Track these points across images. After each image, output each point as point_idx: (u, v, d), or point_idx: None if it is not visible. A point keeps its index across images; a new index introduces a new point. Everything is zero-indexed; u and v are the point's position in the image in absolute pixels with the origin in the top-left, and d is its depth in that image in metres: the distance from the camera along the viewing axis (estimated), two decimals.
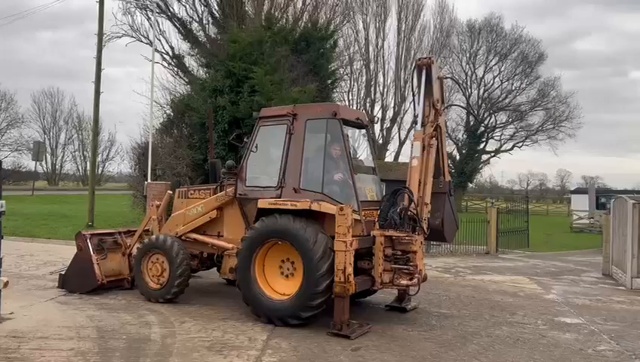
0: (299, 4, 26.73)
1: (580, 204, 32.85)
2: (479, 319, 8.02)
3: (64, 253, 12.94)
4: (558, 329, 7.58)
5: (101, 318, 7.20)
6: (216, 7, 25.60)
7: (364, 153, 8.36)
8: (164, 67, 25.52)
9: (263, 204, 7.34)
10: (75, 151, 74.13)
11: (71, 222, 20.74)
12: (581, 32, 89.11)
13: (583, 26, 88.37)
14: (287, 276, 7.30)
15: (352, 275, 6.70)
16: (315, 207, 6.96)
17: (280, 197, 7.39)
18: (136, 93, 53.05)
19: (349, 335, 6.62)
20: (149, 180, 15.04)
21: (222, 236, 8.40)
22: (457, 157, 46.45)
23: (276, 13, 25.44)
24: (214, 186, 8.63)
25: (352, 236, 6.75)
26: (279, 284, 7.31)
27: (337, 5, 28.35)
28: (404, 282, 6.99)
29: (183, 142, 18.29)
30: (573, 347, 6.72)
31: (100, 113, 20.69)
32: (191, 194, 8.97)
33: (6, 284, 6.89)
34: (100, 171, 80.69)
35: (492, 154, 48.80)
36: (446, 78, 8.58)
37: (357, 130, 8.34)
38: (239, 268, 7.41)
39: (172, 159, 16.58)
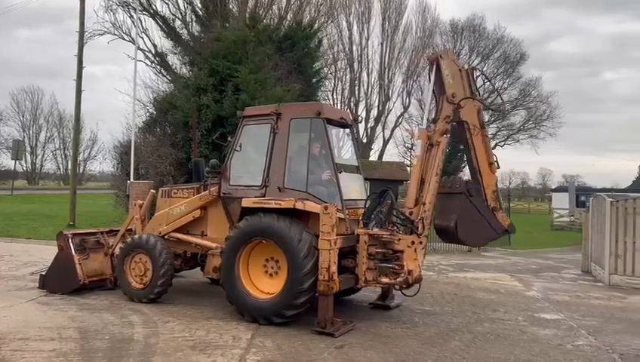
0: (283, 3, 26.75)
1: (561, 202, 33.43)
2: (461, 316, 8.12)
3: (45, 253, 12.77)
4: (538, 325, 7.71)
5: (83, 319, 7.13)
6: (200, 5, 25.49)
7: (348, 152, 8.40)
8: (147, 65, 25.41)
9: (247, 203, 7.35)
10: (55, 150, 73.06)
11: (52, 222, 20.47)
12: (555, 33, 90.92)
13: (557, 27, 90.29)
14: (271, 275, 7.31)
15: (336, 273, 6.75)
16: (299, 205, 6.99)
17: (264, 196, 7.40)
18: (119, 92, 52.74)
19: (333, 333, 6.65)
20: (131, 179, 14.91)
21: (205, 235, 8.38)
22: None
23: (260, 12, 25.41)
24: (198, 185, 8.60)
25: (337, 234, 6.79)
26: (263, 283, 7.31)
27: (322, 5, 28.44)
28: (385, 280, 7.03)
29: (166, 140, 18.16)
30: (553, 342, 6.84)
31: (81, 111, 20.52)
32: (174, 193, 8.92)
33: None
34: (81, 170, 79.69)
35: None
36: (475, 69, 8.14)
37: (341, 130, 8.37)
38: (223, 268, 7.39)
39: (155, 158, 16.46)
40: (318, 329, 6.73)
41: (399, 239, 6.94)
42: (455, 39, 48.10)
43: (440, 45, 47.35)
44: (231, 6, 25.58)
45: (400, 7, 44.17)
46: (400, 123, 45.07)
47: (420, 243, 7.00)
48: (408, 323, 7.55)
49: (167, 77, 24.84)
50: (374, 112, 43.11)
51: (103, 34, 25.12)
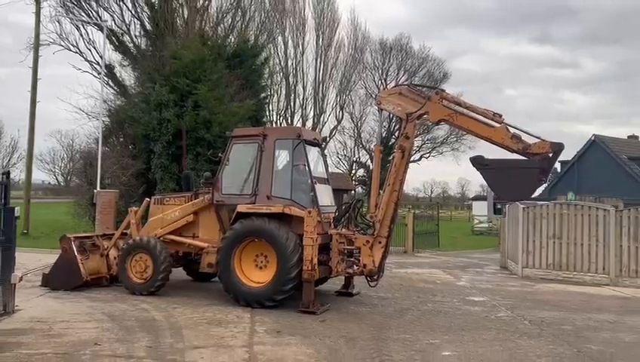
0: (228, 21, 28.10)
1: (480, 210, 36.87)
2: (409, 299, 10.08)
3: (19, 258, 13.45)
4: (469, 304, 9.82)
5: (102, 308, 8.36)
6: (147, 20, 26.30)
7: (319, 166, 10.09)
8: (95, 77, 25.82)
9: (242, 208, 8.89)
10: None
11: None
12: (458, 52, 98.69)
13: (459, 47, 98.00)
14: (260, 268, 8.89)
15: (317, 264, 8.46)
16: (287, 211, 8.64)
17: (254, 204, 8.97)
18: (60, 100, 51.50)
19: (315, 311, 8.35)
20: (98, 188, 15.81)
21: (197, 237, 9.81)
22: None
23: (207, 28, 26.64)
24: (189, 194, 10.00)
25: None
26: (254, 275, 8.88)
27: (265, 23, 30.07)
28: (349, 271, 8.87)
29: (124, 151, 19.07)
30: (481, 315, 8.94)
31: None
32: (166, 201, 10.26)
33: (20, 279, 7.90)
34: None
35: None
36: (409, 85, 9.23)
37: (313, 148, 10.07)
38: (221, 262, 8.89)
39: (117, 169, 17.39)
40: (303, 309, 8.40)
41: (355, 238, 8.74)
42: (384, 56, 51.31)
43: (370, 62, 50.43)
44: (177, 22, 26.60)
45: (333, 24, 46.65)
46: (334, 135, 47.50)
47: (379, 242, 8.65)
48: (370, 305, 9.40)
49: (115, 88, 25.45)
50: (309, 124, 45.12)
51: (49, 44, 25.32)
